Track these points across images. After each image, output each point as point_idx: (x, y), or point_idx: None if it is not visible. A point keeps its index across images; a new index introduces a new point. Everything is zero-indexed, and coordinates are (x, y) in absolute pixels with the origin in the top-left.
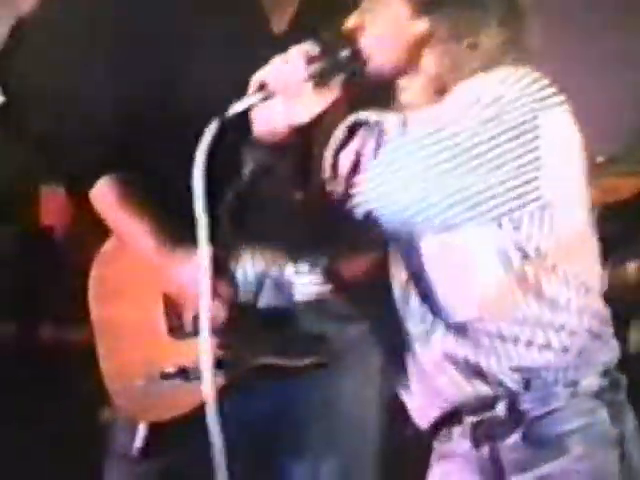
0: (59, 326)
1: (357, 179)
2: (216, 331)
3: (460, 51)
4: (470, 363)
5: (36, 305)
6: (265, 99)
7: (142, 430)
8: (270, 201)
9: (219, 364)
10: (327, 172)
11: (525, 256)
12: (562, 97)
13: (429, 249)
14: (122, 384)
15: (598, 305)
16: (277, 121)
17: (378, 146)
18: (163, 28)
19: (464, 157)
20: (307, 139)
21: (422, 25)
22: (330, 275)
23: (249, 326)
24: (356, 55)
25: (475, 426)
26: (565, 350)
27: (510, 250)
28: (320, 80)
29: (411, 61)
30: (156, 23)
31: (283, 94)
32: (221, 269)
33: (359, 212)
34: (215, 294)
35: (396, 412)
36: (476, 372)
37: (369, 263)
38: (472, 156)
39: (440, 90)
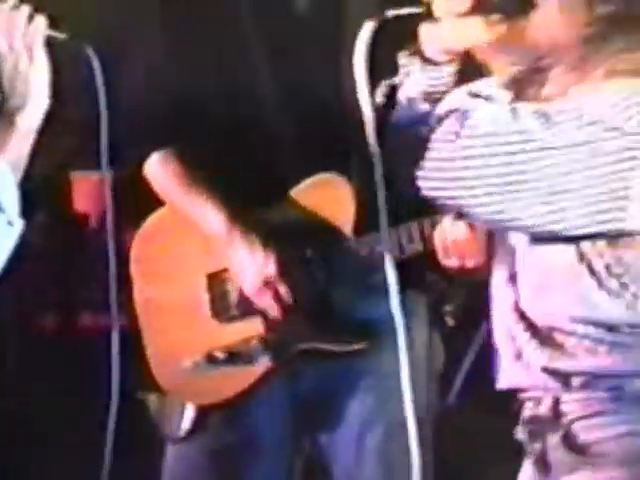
0: (97, 313)
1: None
2: (266, 316)
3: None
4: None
5: (75, 293)
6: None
7: (190, 412)
8: None
9: (268, 347)
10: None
11: (592, 272)
12: None
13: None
14: (169, 367)
15: None
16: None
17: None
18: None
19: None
20: None
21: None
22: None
23: (298, 313)
24: None
25: (528, 420)
26: (609, 353)
27: (581, 266)
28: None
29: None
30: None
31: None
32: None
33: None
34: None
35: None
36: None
37: None
38: (566, 175)
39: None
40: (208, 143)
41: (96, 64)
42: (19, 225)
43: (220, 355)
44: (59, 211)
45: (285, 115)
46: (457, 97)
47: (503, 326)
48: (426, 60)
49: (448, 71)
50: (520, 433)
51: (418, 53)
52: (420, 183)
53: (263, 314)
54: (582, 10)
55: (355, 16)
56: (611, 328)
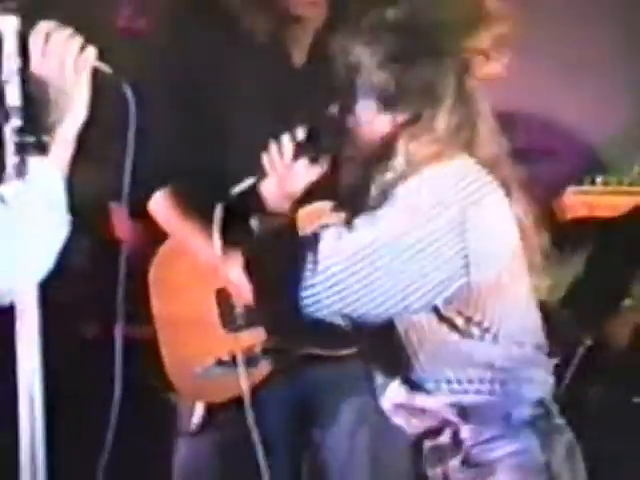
0: (129, 325)
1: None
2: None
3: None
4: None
5: (111, 307)
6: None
7: (199, 409)
8: None
9: (267, 353)
10: None
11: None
12: (494, 186)
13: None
14: (182, 372)
15: (531, 354)
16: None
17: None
18: (206, 75)
19: (413, 256)
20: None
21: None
22: None
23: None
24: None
25: (430, 450)
26: (494, 389)
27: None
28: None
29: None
30: (200, 72)
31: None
32: None
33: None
34: None
35: None
36: (422, 411)
37: None
38: (417, 253)
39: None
40: (201, 184)
41: (131, 102)
42: (68, 222)
43: (226, 359)
44: (101, 237)
45: None
46: None
47: None
48: None
49: None
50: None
51: None
52: None
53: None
54: None
55: None
56: (487, 366)
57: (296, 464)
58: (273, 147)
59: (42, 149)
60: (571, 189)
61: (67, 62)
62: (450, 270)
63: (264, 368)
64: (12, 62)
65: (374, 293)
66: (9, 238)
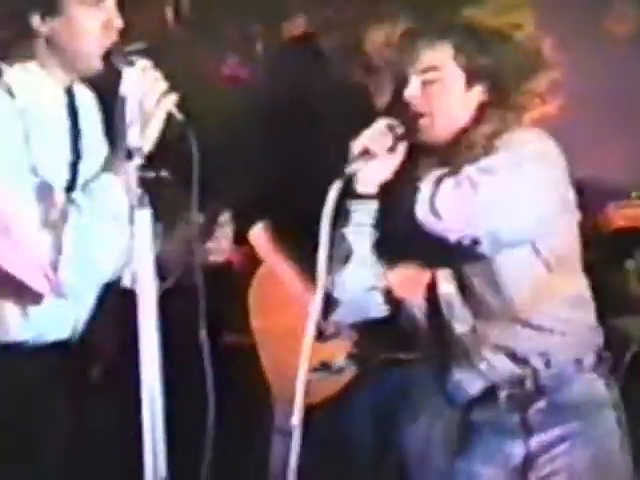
0: (235, 334)
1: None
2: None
3: (505, 113)
4: (508, 349)
5: (221, 319)
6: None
7: (297, 411)
8: None
9: (353, 360)
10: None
11: (549, 269)
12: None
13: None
14: (279, 376)
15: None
16: (375, 177)
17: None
18: (299, 118)
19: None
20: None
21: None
22: None
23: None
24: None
25: (508, 398)
26: (572, 336)
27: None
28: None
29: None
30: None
31: (379, 157)
32: None
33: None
34: None
35: None
36: (510, 355)
37: None
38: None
39: (490, 145)
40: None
41: (195, 150)
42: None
43: (318, 367)
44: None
45: None
46: None
47: None
48: None
49: None
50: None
51: None
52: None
53: (350, 333)
54: None
55: None
56: (574, 303)
57: (379, 464)
58: (371, 134)
59: (161, 183)
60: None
61: (150, 99)
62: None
63: (349, 373)
64: (135, 107)
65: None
66: (83, 240)
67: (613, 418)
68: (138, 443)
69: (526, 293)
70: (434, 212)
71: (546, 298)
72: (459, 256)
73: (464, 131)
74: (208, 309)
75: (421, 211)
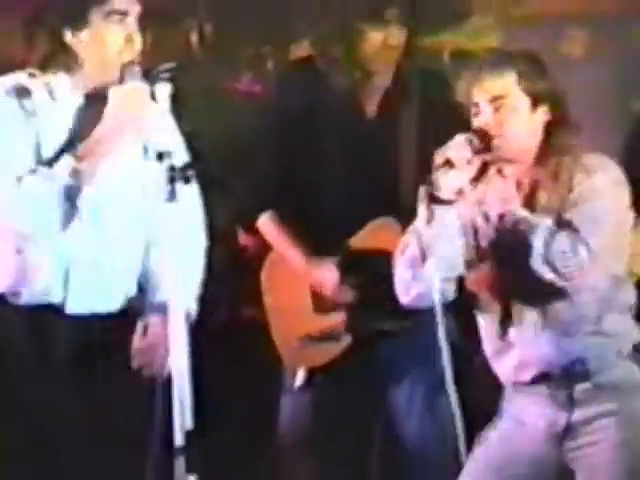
0: (251, 308)
1: None
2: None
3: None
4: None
5: (239, 296)
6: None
7: (301, 373)
8: None
9: (348, 329)
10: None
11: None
12: None
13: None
14: (286, 344)
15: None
16: (454, 185)
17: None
18: (302, 126)
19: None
20: None
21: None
22: None
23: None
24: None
25: (560, 376)
26: (618, 336)
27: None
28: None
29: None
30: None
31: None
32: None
33: None
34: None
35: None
36: (565, 340)
37: None
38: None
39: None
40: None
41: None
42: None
43: (318, 335)
44: (233, 246)
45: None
46: None
47: None
48: None
49: None
50: None
51: None
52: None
53: (346, 307)
54: None
55: None
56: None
57: (376, 422)
58: (453, 146)
59: (187, 181)
60: None
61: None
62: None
63: (345, 341)
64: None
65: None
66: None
67: None
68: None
69: (594, 308)
70: (549, 264)
71: (608, 310)
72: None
73: (536, 147)
74: (229, 288)
75: (535, 262)
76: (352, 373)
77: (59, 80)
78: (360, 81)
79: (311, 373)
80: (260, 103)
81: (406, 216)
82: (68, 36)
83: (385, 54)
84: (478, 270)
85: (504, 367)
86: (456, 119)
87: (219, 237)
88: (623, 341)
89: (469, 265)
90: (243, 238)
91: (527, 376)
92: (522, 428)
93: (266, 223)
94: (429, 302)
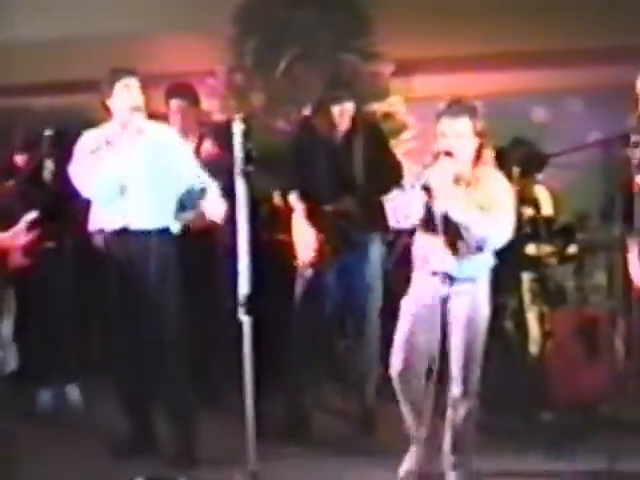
0: (284, 234)
1: None
2: None
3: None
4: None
5: (278, 229)
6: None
7: (308, 270)
8: None
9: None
10: None
11: None
12: None
13: None
14: (302, 254)
15: None
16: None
17: None
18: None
19: None
20: None
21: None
22: None
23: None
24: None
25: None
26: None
27: None
28: None
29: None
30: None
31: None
32: None
33: None
34: None
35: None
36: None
37: None
38: None
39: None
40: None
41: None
42: None
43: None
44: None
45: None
46: None
47: None
48: None
49: None
50: None
51: None
52: None
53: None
54: None
55: None
56: None
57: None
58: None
59: (248, 176)
60: None
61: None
62: None
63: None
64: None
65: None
66: None
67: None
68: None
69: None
70: (466, 230)
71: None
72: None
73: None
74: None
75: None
76: (332, 271)
77: None
78: (332, 127)
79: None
80: (288, 136)
81: (360, 196)
82: None
83: (343, 115)
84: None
85: (422, 269)
86: (382, 145)
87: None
88: (484, 259)
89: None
90: (277, 199)
91: (431, 270)
92: (425, 293)
93: (293, 196)
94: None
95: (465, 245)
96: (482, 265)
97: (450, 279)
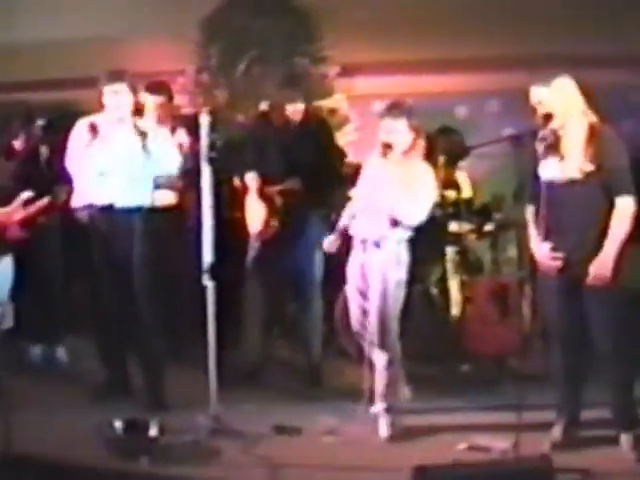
0: (238, 212)
1: None
2: None
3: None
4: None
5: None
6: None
7: (255, 244)
8: None
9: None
10: None
11: None
12: None
13: None
14: (253, 229)
15: None
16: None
17: None
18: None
19: None
20: None
21: None
22: None
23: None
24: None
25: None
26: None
27: None
28: None
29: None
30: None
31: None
32: None
33: None
34: None
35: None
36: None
37: None
38: None
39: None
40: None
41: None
42: None
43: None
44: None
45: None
46: None
47: None
48: None
49: None
50: None
51: None
52: None
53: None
54: None
55: None
56: None
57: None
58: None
59: (212, 162)
60: None
61: None
62: None
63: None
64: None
65: None
66: None
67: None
68: None
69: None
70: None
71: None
72: None
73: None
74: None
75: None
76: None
77: None
78: (285, 121)
79: (265, 243)
80: (247, 128)
81: (306, 178)
82: None
83: (295, 111)
84: None
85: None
86: (328, 136)
87: (226, 180)
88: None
89: None
90: (236, 181)
91: (359, 239)
92: (354, 261)
93: (249, 176)
94: None
95: (385, 218)
96: (398, 237)
97: (368, 246)
